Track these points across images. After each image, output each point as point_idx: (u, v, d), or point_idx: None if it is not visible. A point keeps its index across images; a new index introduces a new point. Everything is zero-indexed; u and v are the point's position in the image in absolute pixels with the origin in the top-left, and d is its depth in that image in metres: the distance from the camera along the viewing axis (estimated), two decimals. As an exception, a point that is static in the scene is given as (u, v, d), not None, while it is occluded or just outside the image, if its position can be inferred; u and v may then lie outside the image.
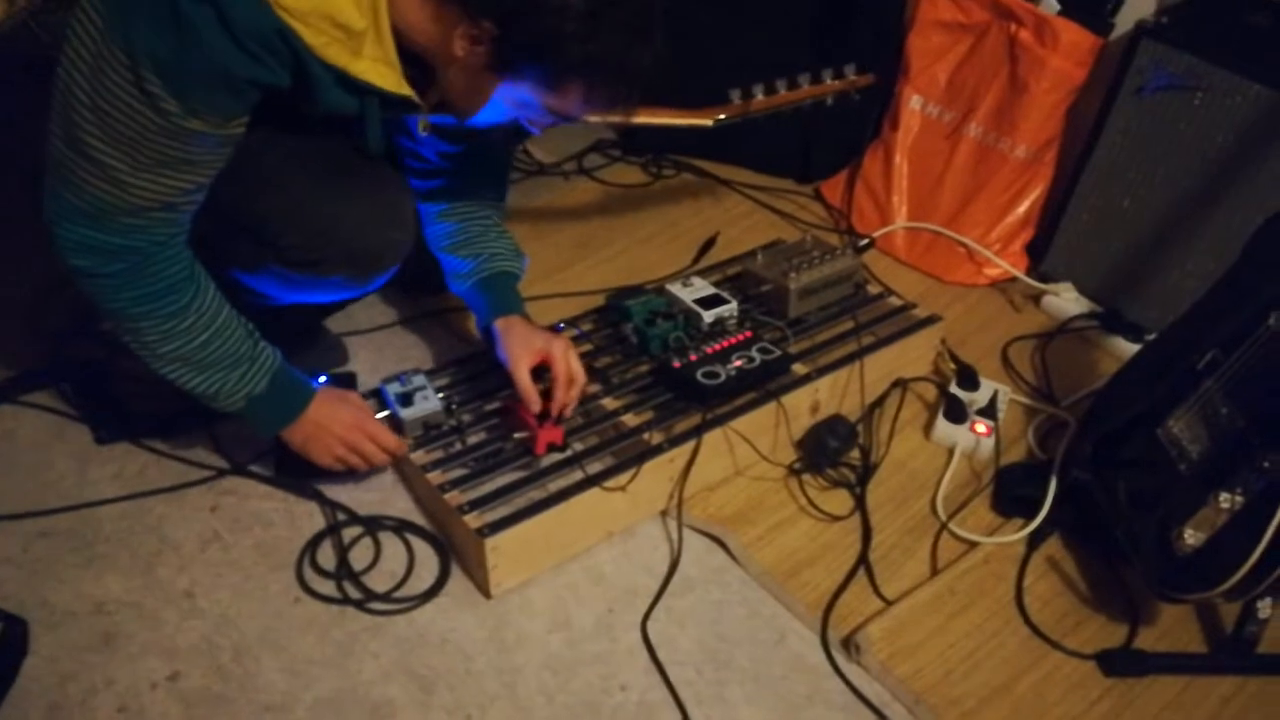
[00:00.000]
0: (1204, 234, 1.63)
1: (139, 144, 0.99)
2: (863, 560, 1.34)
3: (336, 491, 1.37)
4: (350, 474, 1.35)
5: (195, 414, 1.37)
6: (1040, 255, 1.85)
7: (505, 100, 1.09)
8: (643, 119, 1.44)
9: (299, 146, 1.21)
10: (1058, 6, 1.75)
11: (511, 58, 1.03)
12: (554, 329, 1.50)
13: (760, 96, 1.47)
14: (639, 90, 1.08)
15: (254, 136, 1.09)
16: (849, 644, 1.24)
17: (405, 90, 1.09)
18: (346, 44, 1.03)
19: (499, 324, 1.36)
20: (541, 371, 1.34)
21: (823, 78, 1.52)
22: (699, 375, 1.39)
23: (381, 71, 1.06)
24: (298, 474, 1.37)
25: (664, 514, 1.39)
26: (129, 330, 1.14)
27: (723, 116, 1.46)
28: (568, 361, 1.32)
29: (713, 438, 1.37)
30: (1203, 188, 1.61)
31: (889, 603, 1.29)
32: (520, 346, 1.33)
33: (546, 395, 1.33)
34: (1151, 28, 1.59)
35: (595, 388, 1.43)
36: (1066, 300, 1.78)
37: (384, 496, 1.38)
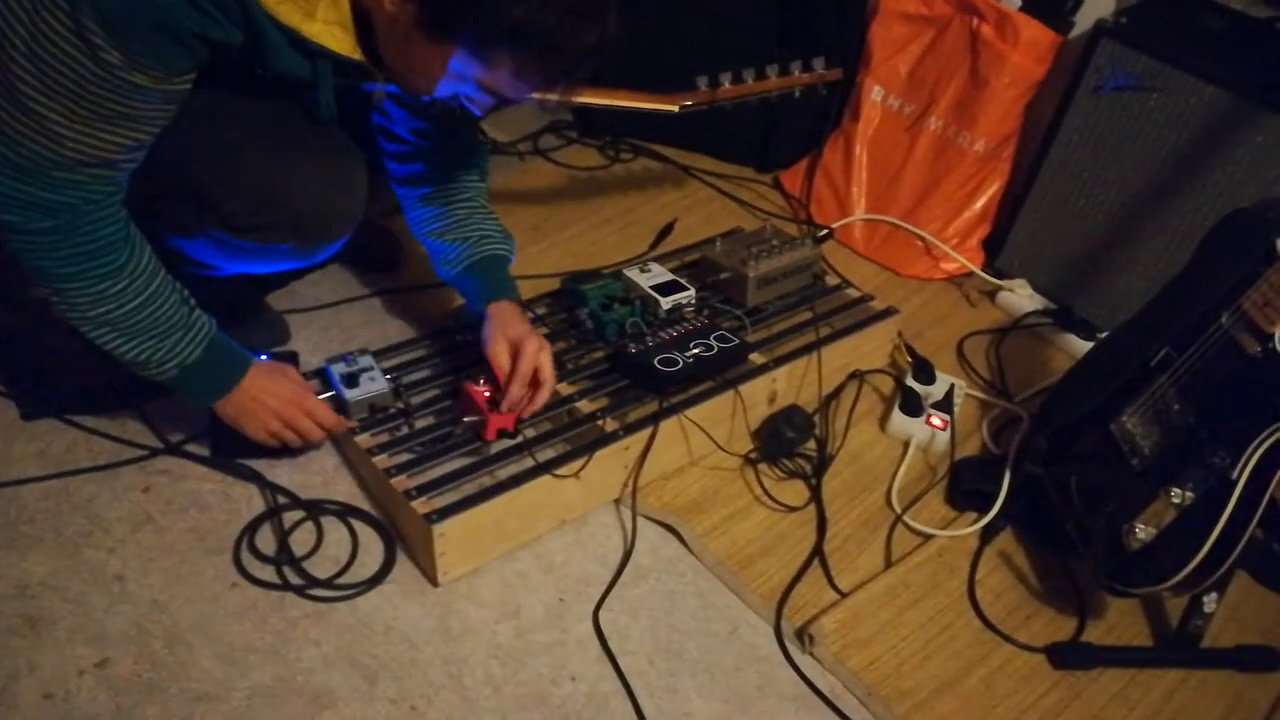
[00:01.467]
0: (1156, 234, 1.65)
1: (77, 96, 0.94)
2: (817, 552, 1.33)
3: (276, 474, 1.32)
4: (287, 452, 1.31)
5: (126, 390, 1.32)
6: (996, 251, 1.86)
7: (441, 72, 1.05)
8: (607, 101, 1.41)
9: (249, 109, 1.16)
10: (1019, 2, 1.76)
11: (437, 17, 0.98)
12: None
13: (727, 86, 1.46)
14: (582, 70, 1.04)
15: (202, 97, 1.05)
16: (802, 635, 1.23)
17: (357, 54, 1.05)
18: (300, 4, 1.00)
19: (490, 309, 1.32)
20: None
21: (791, 70, 1.50)
22: (656, 362, 1.37)
23: (335, 34, 1.03)
24: (234, 454, 1.32)
25: (618, 502, 1.37)
26: (57, 292, 1.08)
27: (689, 104, 1.44)
28: (534, 360, 1.28)
29: (668, 426, 1.35)
30: (1156, 187, 1.62)
31: (843, 594, 1.28)
32: (499, 329, 1.30)
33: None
34: (1110, 27, 1.60)
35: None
36: (1021, 296, 1.80)
37: (326, 480, 1.33)
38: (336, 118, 1.17)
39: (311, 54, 1.05)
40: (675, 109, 1.44)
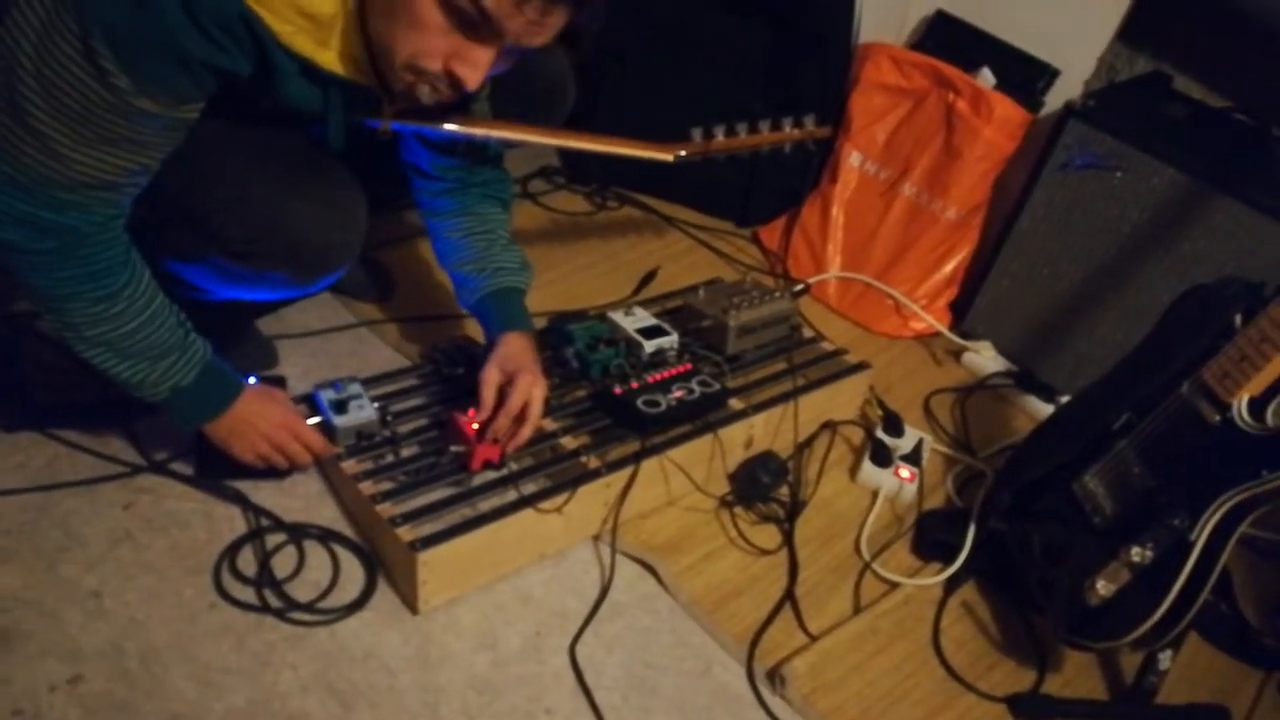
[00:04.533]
0: (1115, 305, 1.73)
1: (84, 119, 0.96)
2: (789, 595, 1.36)
3: (260, 496, 1.32)
4: (273, 474, 1.31)
5: (109, 406, 1.32)
6: (963, 313, 1.93)
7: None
8: (604, 148, 1.45)
9: (254, 139, 1.18)
10: (993, 81, 1.85)
11: None
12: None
13: (721, 138, 1.51)
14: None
15: (209, 126, 1.07)
16: (774, 676, 1.26)
17: (367, 79, 1.08)
18: (313, 34, 1.02)
19: (498, 339, 1.35)
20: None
21: (782, 125, 1.56)
22: (639, 403, 1.40)
23: (346, 64, 1.06)
24: (219, 474, 1.32)
25: (596, 539, 1.39)
26: (54, 311, 1.08)
27: (684, 153, 1.49)
28: (524, 395, 1.30)
29: (649, 465, 1.38)
30: (1117, 261, 1.71)
31: (813, 638, 1.31)
32: (496, 363, 1.32)
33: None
34: (1079, 109, 1.69)
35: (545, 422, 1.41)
36: (985, 358, 1.86)
37: (309, 504, 1.34)
38: (344, 149, 1.20)
39: (324, 83, 1.08)
40: (670, 158, 1.48)
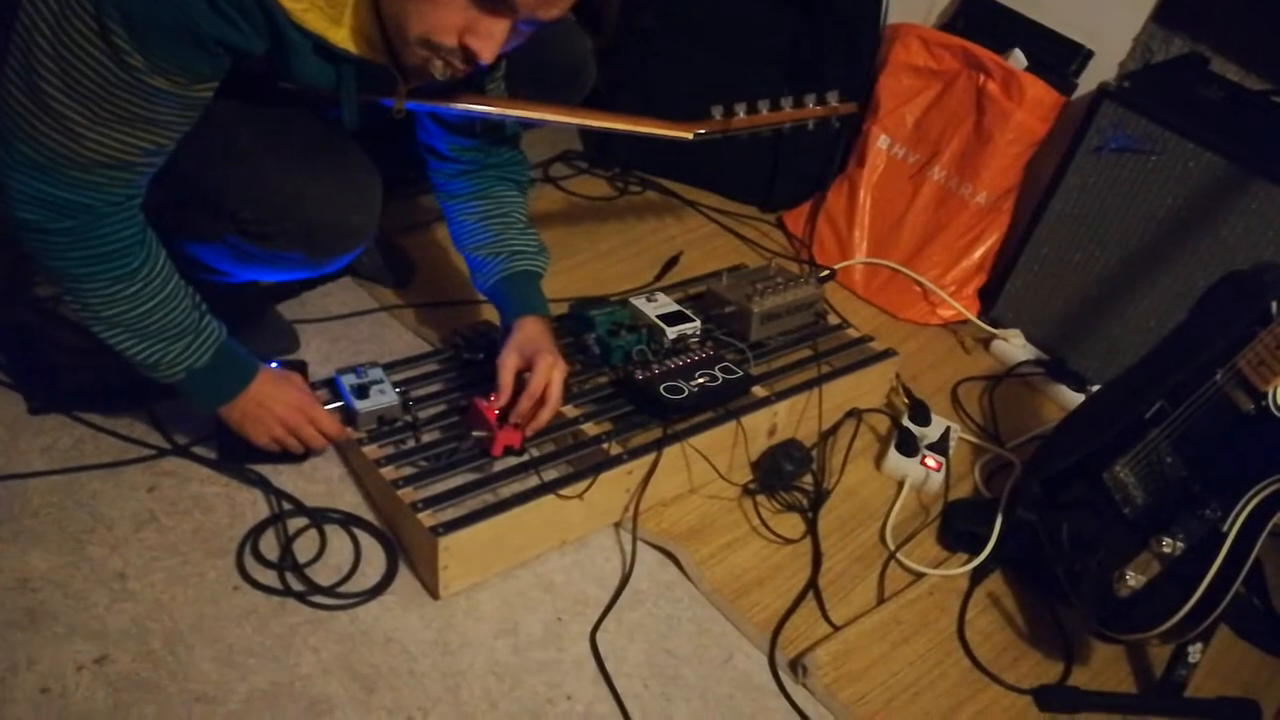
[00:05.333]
0: (1148, 292, 1.69)
1: (99, 98, 0.96)
2: (812, 584, 1.35)
3: (282, 480, 1.33)
4: (295, 458, 1.32)
5: (134, 389, 1.32)
6: (992, 301, 1.90)
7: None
8: (623, 126, 1.43)
9: (269, 119, 1.18)
10: (1025, 62, 1.81)
11: None
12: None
13: (742, 115, 1.48)
14: None
15: (224, 106, 1.07)
16: (796, 666, 1.25)
17: (382, 59, 1.08)
18: (326, 11, 1.02)
19: (514, 323, 1.34)
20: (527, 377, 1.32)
21: (805, 102, 1.53)
22: (662, 389, 1.39)
23: (359, 41, 1.05)
24: (241, 458, 1.32)
25: (618, 526, 1.38)
26: (71, 291, 1.09)
27: (703, 131, 1.46)
28: (545, 377, 1.29)
29: (671, 453, 1.37)
30: (1151, 247, 1.67)
31: (836, 628, 1.30)
32: (515, 347, 1.31)
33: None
34: (1113, 91, 1.66)
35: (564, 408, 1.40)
36: (1015, 346, 1.84)
37: (331, 489, 1.34)
38: (359, 128, 1.19)
39: (336, 61, 1.07)
40: (690, 136, 1.46)
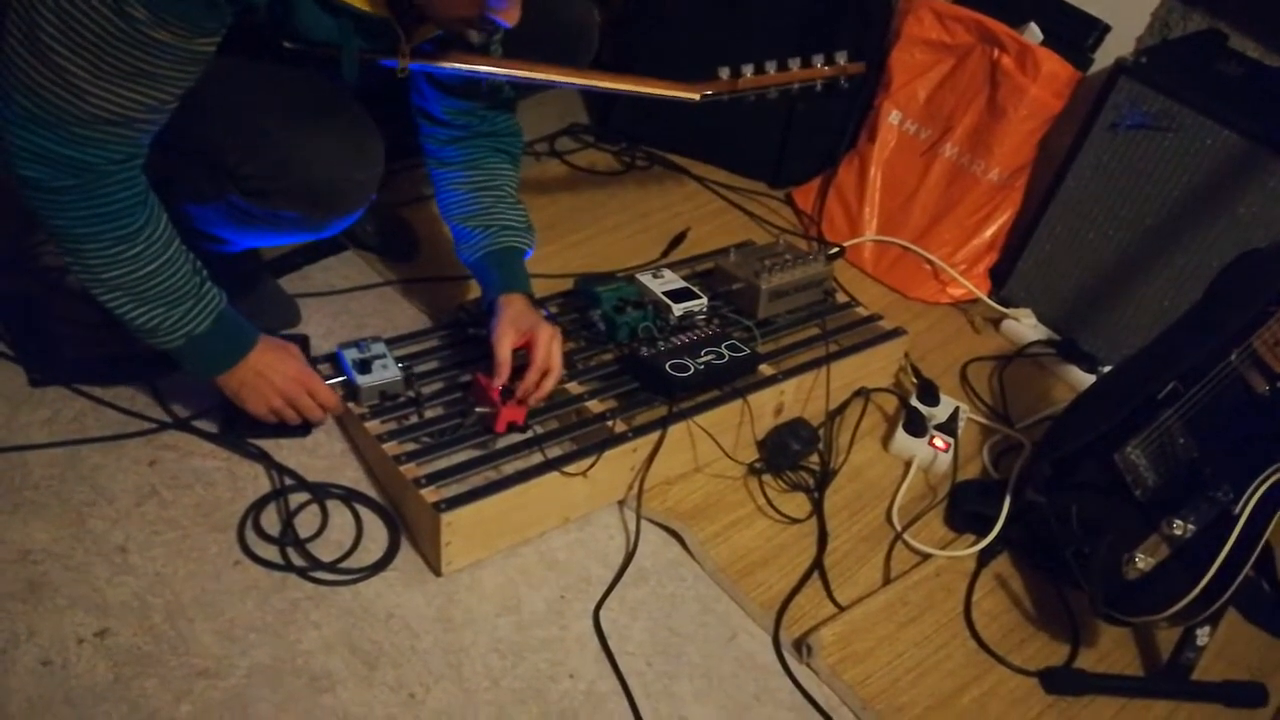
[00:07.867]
0: (1162, 272, 1.67)
1: (101, 50, 0.95)
2: (817, 564, 1.34)
3: (283, 455, 1.32)
4: (296, 432, 1.31)
5: (136, 362, 1.31)
6: (1003, 280, 1.88)
7: None
8: (628, 87, 1.40)
9: (272, 77, 1.17)
10: (1040, 36, 1.78)
11: None
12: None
13: (749, 76, 1.45)
14: None
15: (226, 64, 1.06)
16: (800, 646, 1.24)
17: (384, 12, 1.07)
18: None
19: (500, 300, 1.32)
20: (523, 353, 1.31)
21: (813, 62, 1.50)
22: (668, 367, 1.38)
23: None
24: (243, 432, 1.32)
25: (622, 504, 1.37)
26: (72, 252, 1.08)
27: (710, 93, 1.43)
28: (549, 349, 1.29)
29: (676, 431, 1.35)
30: (1166, 226, 1.65)
31: (841, 608, 1.29)
32: (509, 323, 1.30)
33: (520, 375, 1.30)
34: (1130, 66, 1.62)
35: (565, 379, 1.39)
36: (1025, 326, 1.81)
37: (333, 464, 1.33)
38: (358, 82, 1.17)
39: (337, 12, 1.06)
40: (696, 97, 1.43)
